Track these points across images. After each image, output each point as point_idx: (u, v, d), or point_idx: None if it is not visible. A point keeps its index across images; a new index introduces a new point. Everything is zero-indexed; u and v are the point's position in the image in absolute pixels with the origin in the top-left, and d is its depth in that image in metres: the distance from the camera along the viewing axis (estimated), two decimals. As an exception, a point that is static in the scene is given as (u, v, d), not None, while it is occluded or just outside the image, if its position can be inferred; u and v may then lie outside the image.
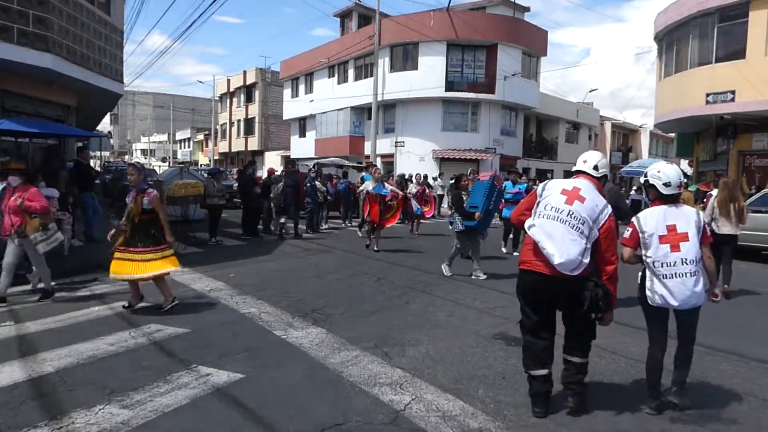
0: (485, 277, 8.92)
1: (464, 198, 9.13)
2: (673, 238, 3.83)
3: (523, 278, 3.91)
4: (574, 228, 3.68)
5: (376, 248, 11.62)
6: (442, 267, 9.27)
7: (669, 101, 20.97)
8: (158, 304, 6.44)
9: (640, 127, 48.40)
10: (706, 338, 5.78)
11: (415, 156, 28.31)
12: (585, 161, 4.07)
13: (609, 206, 3.87)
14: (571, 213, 3.71)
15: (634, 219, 4.01)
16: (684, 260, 3.77)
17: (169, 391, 3.96)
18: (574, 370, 3.90)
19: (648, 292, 3.89)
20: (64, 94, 12.75)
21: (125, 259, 6.19)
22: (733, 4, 17.46)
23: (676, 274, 3.76)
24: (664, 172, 4.01)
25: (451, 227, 9.43)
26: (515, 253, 11.70)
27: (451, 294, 7.64)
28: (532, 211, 3.91)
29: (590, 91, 69.28)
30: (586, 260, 3.69)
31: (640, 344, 5.46)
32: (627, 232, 4.02)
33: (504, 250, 12.24)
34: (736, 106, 17.40)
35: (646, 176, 4.14)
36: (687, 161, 26.17)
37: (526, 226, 3.88)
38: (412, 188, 16.80)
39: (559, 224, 3.70)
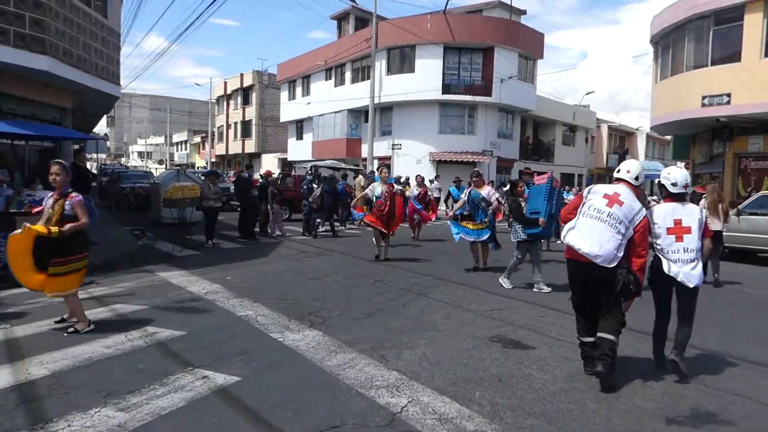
0: (549, 290, 8.13)
1: (522, 205, 8.49)
2: (678, 230, 4.67)
3: (568, 266, 4.75)
4: (612, 227, 4.43)
5: (384, 256, 10.82)
6: (501, 280, 8.56)
7: (665, 104, 21.04)
8: (154, 305, 6.43)
9: (637, 129, 48.54)
10: (701, 340, 5.82)
11: (412, 158, 28.34)
12: (628, 171, 4.74)
13: (644, 209, 4.61)
14: (610, 214, 4.47)
15: (647, 213, 4.70)
16: (686, 249, 4.64)
17: (166, 394, 3.95)
18: (606, 347, 4.42)
19: (664, 268, 4.65)
20: (61, 96, 12.73)
21: (36, 270, 5.36)
22: (728, 7, 17.53)
23: (678, 259, 4.64)
24: (672, 174, 4.79)
25: (513, 238, 8.58)
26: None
27: (448, 297, 7.65)
28: (578, 210, 4.67)
29: (587, 94, 69.87)
30: (620, 254, 4.44)
31: (632, 345, 5.52)
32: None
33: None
34: (731, 109, 17.46)
35: (659, 178, 4.91)
36: (683, 164, 26.21)
37: (565, 228, 4.66)
38: (414, 190, 15.74)
39: (599, 223, 4.47)
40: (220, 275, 8.78)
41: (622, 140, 48.10)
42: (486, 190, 9.61)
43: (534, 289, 8.29)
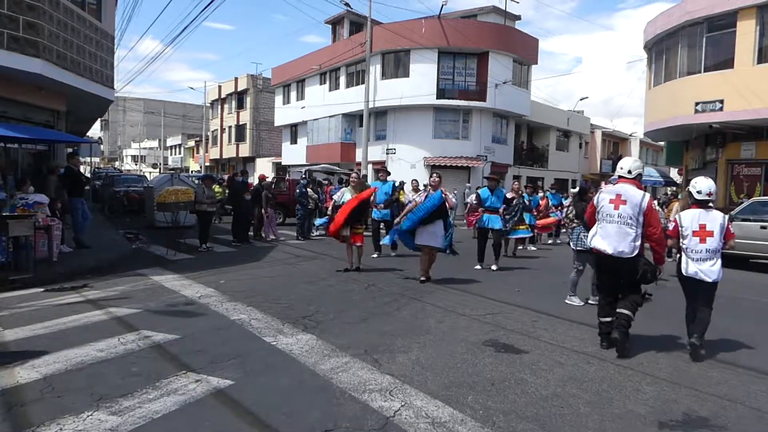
0: (581, 303, 7.79)
1: None
2: (702, 233, 5.39)
3: (597, 259, 5.68)
4: (626, 224, 5.30)
5: (349, 267, 9.99)
6: (569, 300, 7.86)
7: (658, 110, 21.17)
8: (147, 308, 6.41)
9: (630, 135, 48.77)
10: (693, 345, 5.84)
11: (407, 163, 28.38)
12: (621, 167, 5.57)
13: (647, 194, 5.41)
14: (620, 215, 5.33)
15: (677, 216, 5.67)
16: (707, 249, 5.35)
17: (159, 398, 3.94)
18: (624, 319, 5.32)
19: (682, 268, 5.46)
20: (54, 99, 12.70)
21: None
22: (721, 14, 17.69)
23: (701, 258, 5.37)
24: (698, 183, 5.54)
25: (573, 246, 8.03)
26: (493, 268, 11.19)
27: (441, 301, 7.66)
28: (596, 216, 5.57)
29: (580, 99, 70.01)
30: (638, 242, 5.30)
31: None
32: (671, 226, 5.71)
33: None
34: (724, 115, 17.59)
35: (689, 187, 5.70)
36: (676, 170, 26.38)
37: (590, 235, 5.66)
38: (409, 195, 13.93)
39: (615, 225, 5.35)
40: (213, 279, 8.76)
41: (615, 146, 48.33)
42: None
43: (590, 302, 7.67)
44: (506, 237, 12.57)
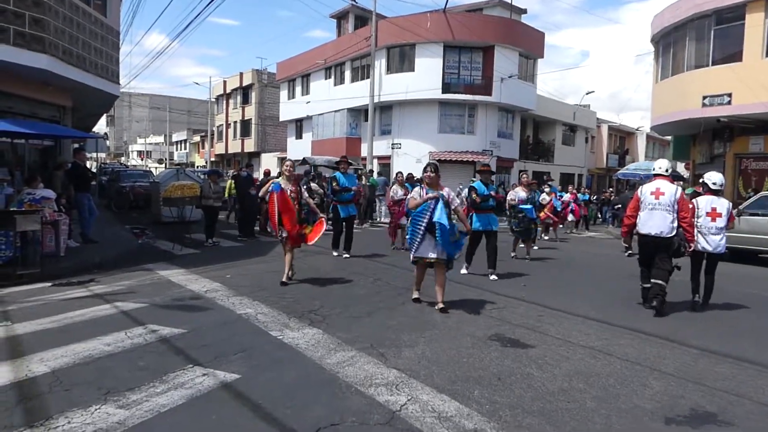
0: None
1: None
2: (713, 214, 7.39)
3: (640, 239, 7.27)
4: (665, 210, 6.95)
5: (284, 279, 8.14)
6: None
7: (665, 104, 21.03)
8: (154, 303, 6.43)
9: (637, 129, 48.50)
10: (702, 341, 5.84)
11: (412, 158, 28.31)
12: (660, 167, 7.31)
13: (678, 187, 7.07)
14: (660, 203, 6.97)
15: (694, 201, 7.56)
16: (717, 227, 7.36)
17: (166, 391, 3.95)
18: (658, 289, 6.93)
19: (699, 242, 7.32)
20: (60, 95, 12.74)
21: None
22: (729, 6, 17.53)
23: (711, 233, 7.35)
24: (713, 176, 7.58)
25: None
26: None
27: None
28: (639, 207, 7.18)
29: (587, 93, 69.80)
30: (675, 224, 6.94)
31: (634, 345, 5.53)
32: (690, 206, 7.21)
33: (513, 254, 11.99)
34: (732, 109, 17.45)
35: (702, 178, 7.89)
36: (683, 164, 26.21)
37: (638, 222, 7.19)
38: (398, 191, 12.54)
39: (656, 211, 6.99)
40: (219, 273, 8.78)
41: (622, 140, 48.09)
42: (445, 192, 6.76)
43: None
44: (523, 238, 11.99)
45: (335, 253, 11.24)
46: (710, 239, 7.29)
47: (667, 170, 7.20)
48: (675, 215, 6.89)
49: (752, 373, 4.88)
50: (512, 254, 11.98)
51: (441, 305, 6.71)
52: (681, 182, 23.68)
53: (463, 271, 9.45)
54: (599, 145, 44.48)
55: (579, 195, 20.59)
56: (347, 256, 11.06)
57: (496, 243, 9.46)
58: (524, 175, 12.08)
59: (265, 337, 5.43)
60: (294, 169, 8.52)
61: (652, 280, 6.99)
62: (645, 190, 7.14)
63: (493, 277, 9.21)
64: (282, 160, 41.71)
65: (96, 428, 3.37)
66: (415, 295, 7.23)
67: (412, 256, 6.87)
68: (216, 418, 3.59)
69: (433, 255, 6.65)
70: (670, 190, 6.96)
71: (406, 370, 4.55)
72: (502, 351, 5.22)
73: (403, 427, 3.53)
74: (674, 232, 6.89)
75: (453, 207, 6.77)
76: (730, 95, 17.47)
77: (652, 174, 7.37)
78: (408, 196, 7.55)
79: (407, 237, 7.02)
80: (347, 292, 7.73)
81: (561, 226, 18.14)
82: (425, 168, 6.89)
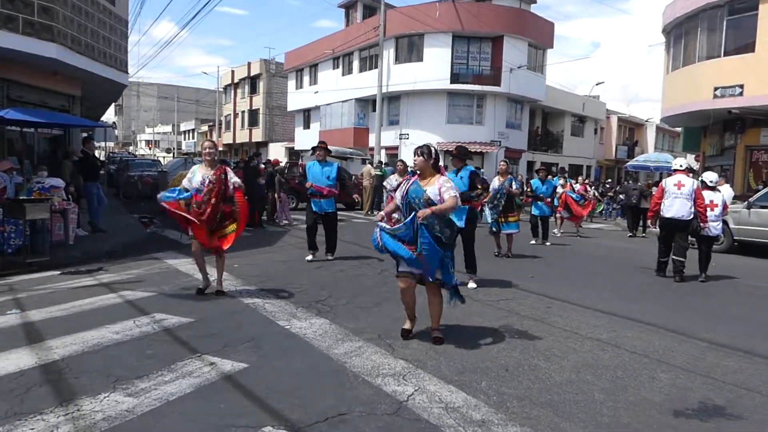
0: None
1: None
2: (710, 205, 9.00)
3: (661, 222, 8.97)
4: (685, 198, 8.63)
5: (217, 287, 6.73)
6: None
7: (676, 95, 20.83)
8: (162, 292, 6.45)
9: (646, 121, 48.12)
10: (710, 333, 5.80)
11: (420, 148, 28.21)
12: (680, 165, 9.03)
13: (695, 181, 8.94)
14: (681, 193, 8.66)
15: (702, 193, 8.85)
16: (714, 215, 9.07)
17: (174, 380, 3.97)
18: (679, 264, 8.82)
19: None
20: (69, 84, 12.77)
21: None
22: (742, -4, 17.31)
23: (710, 220, 8.89)
24: (710, 176, 9.63)
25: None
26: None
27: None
28: (664, 195, 8.82)
29: (596, 84, 69.14)
30: (692, 209, 8.62)
31: (642, 338, 5.50)
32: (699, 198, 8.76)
33: (533, 242, 13.06)
34: (744, 101, 17.28)
35: (701, 177, 9.87)
36: (693, 156, 26.00)
37: (662, 207, 8.89)
38: (393, 180, 10.26)
39: (679, 199, 8.67)
40: (227, 263, 8.78)
41: (631, 132, 47.76)
42: (437, 185, 4.95)
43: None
44: (494, 233, 10.62)
45: (308, 257, 9.45)
46: (709, 224, 8.88)
47: (687, 167, 9.07)
48: (692, 203, 8.58)
49: (761, 366, 4.84)
50: (531, 242, 13.03)
51: (436, 333, 5.12)
52: (690, 174, 23.58)
53: (472, 285, 7.69)
54: (608, 137, 44.20)
55: (589, 188, 19.87)
56: (331, 258, 9.63)
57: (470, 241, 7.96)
58: (502, 163, 10.84)
59: (273, 326, 5.45)
60: (216, 151, 6.68)
61: (674, 257, 8.86)
62: (669, 183, 8.83)
63: (471, 284, 7.67)
64: (290, 150, 41.76)
65: (105, 416, 3.39)
66: (407, 325, 5.28)
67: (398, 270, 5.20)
68: (224, 407, 3.60)
69: (415, 270, 5.00)
70: (689, 183, 8.68)
71: (413, 361, 4.55)
72: (510, 342, 5.20)
73: (410, 417, 3.53)
74: (691, 216, 8.59)
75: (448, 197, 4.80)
76: (742, 86, 17.29)
77: (672, 169, 9.15)
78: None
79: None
80: (354, 283, 7.73)
81: (585, 218, 16.87)
82: (415, 151, 5.20)
